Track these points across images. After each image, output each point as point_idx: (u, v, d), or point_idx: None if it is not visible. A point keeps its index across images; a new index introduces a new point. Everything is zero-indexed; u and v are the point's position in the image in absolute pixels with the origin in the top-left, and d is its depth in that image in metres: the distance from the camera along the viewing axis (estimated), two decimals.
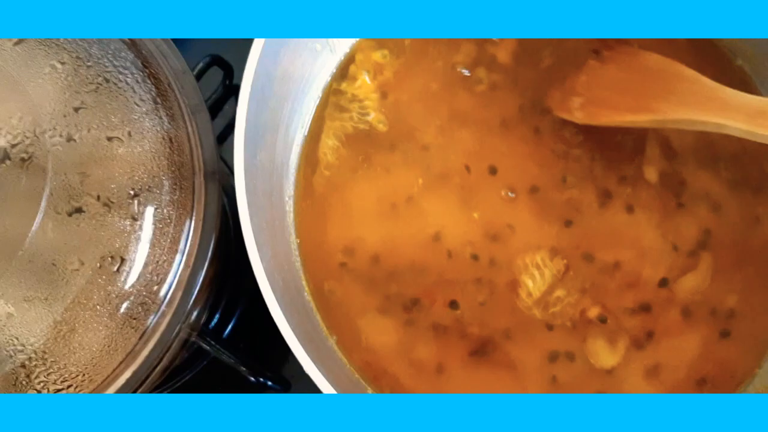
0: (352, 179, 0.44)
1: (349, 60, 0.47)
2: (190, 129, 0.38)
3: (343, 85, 0.46)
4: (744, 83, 0.45)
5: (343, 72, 0.47)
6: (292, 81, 0.43)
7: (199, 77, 0.51)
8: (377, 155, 0.45)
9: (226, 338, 0.51)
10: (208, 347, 0.43)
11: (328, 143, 0.45)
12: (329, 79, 0.47)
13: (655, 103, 0.40)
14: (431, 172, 0.44)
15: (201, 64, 0.51)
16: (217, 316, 0.49)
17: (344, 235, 0.43)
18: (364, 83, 0.46)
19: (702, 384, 0.41)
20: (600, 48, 0.45)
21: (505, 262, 0.43)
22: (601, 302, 0.42)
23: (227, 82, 0.55)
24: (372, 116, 0.45)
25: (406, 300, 0.42)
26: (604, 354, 0.41)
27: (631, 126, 0.42)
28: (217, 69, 0.53)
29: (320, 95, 0.46)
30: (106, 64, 0.37)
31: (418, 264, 0.43)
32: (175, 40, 0.40)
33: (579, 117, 0.43)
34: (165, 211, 0.36)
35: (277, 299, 0.34)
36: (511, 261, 0.43)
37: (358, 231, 0.43)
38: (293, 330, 0.34)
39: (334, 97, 0.46)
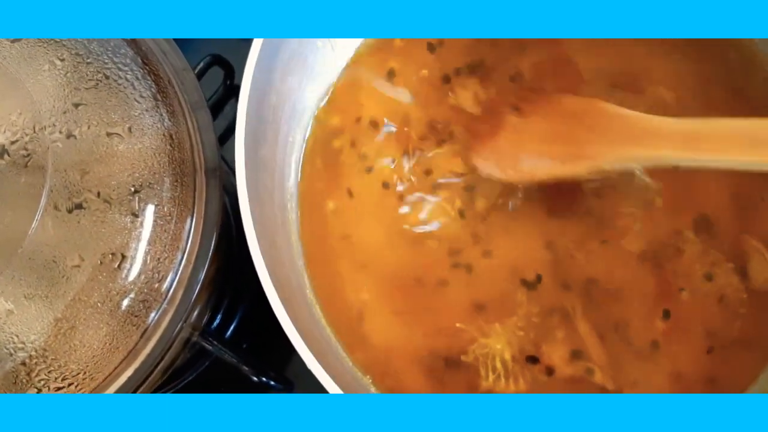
0: (355, 176, 0.44)
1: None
2: (190, 126, 0.38)
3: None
4: None
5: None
6: (293, 77, 0.43)
7: (199, 77, 0.50)
8: (378, 152, 0.44)
9: (229, 338, 0.50)
10: (210, 347, 0.43)
11: (331, 140, 0.45)
12: (330, 76, 0.46)
13: (587, 148, 0.39)
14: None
15: (201, 64, 0.51)
16: (219, 316, 0.49)
17: (347, 232, 0.43)
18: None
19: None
20: (518, 103, 0.43)
21: None
22: None
23: (228, 82, 0.54)
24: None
25: (411, 296, 0.42)
26: None
27: (570, 179, 0.40)
28: (218, 69, 0.53)
29: (322, 92, 0.46)
30: (106, 61, 0.37)
31: (420, 264, 0.42)
32: (175, 40, 0.40)
33: (512, 175, 0.41)
34: (166, 208, 0.36)
35: (279, 296, 0.34)
36: None
37: (362, 228, 0.43)
38: (296, 328, 0.33)
39: (335, 94, 0.46)
